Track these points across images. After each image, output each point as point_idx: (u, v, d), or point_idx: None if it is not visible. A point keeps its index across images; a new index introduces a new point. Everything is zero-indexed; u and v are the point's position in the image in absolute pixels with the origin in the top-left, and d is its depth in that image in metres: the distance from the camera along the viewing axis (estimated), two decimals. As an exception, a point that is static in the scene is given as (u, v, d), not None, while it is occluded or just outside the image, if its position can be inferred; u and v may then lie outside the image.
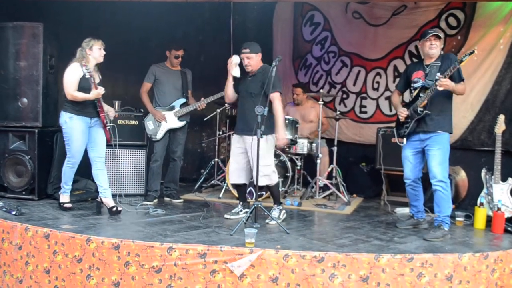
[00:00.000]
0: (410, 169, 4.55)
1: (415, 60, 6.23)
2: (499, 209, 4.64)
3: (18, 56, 5.21)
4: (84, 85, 4.55)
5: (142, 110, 5.83)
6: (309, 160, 6.33)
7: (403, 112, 4.48)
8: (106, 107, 4.92)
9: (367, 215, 5.30)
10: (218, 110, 6.57)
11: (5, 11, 5.64)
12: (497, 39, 5.64)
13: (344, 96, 7.00)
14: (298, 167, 6.20)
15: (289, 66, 7.58)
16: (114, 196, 5.11)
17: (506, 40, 5.59)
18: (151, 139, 5.63)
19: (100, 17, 6.59)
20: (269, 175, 4.65)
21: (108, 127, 4.93)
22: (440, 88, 4.13)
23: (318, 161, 5.95)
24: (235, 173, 4.82)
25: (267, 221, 4.58)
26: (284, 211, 4.87)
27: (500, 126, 4.88)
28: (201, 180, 6.48)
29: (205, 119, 6.77)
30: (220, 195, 5.94)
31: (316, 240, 4.07)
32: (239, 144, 4.75)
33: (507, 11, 5.55)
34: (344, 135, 6.87)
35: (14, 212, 4.48)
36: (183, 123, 5.61)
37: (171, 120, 5.55)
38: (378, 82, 6.69)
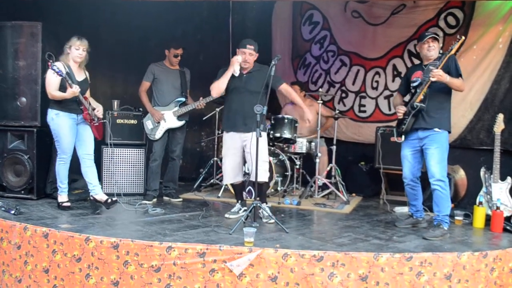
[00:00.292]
0: (408, 168, 4.55)
1: (414, 59, 6.25)
2: (498, 208, 4.65)
3: (16, 56, 5.21)
4: (65, 83, 4.55)
5: (141, 109, 5.83)
6: (308, 159, 6.34)
7: (401, 109, 4.50)
8: (94, 104, 4.93)
9: (366, 214, 5.30)
10: (217, 110, 6.57)
11: (4, 10, 5.63)
12: (496, 38, 5.64)
13: (343, 95, 7.01)
14: (297, 166, 6.21)
15: (288, 65, 7.58)
16: (113, 195, 5.11)
17: (505, 39, 5.59)
18: (150, 139, 5.62)
19: (99, 16, 6.59)
20: (267, 170, 4.71)
21: (96, 124, 4.92)
22: (433, 79, 4.13)
23: (317, 160, 5.95)
24: (232, 173, 4.79)
25: (265, 220, 4.58)
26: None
27: (499, 125, 4.89)
28: (200, 179, 6.48)
29: (204, 118, 6.77)
30: (219, 194, 5.94)
31: (315, 239, 4.07)
32: (234, 142, 4.71)
33: (506, 10, 5.55)
34: (343, 134, 6.87)
35: (13, 212, 4.48)
36: (182, 122, 5.60)
37: (170, 120, 5.55)
38: (377, 81, 6.69)
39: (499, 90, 5.68)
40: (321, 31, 7.24)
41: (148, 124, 5.57)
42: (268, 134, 5.66)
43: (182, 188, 6.31)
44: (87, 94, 4.98)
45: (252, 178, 4.52)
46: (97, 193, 4.88)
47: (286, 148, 6.10)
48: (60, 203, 4.87)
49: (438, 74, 4.12)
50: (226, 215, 4.80)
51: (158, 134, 5.53)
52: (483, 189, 4.90)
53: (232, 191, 5.70)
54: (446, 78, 4.15)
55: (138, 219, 4.66)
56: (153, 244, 3.66)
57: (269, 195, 5.87)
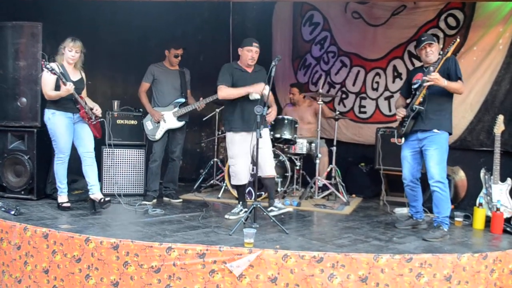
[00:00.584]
0: (408, 169, 4.55)
1: (414, 60, 6.25)
2: (498, 209, 4.65)
3: (17, 56, 5.21)
4: (60, 83, 4.57)
5: (141, 110, 5.83)
6: (308, 160, 6.33)
7: (400, 112, 4.51)
8: (91, 104, 4.94)
9: (366, 215, 5.30)
10: (217, 110, 6.57)
11: (5, 10, 5.63)
12: (496, 39, 5.64)
13: (344, 96, 7.00)
14: (297, 167, 6.20)
15: (289, 66, 7.58)
16: (113, 195, 5.12)
17: (506, 40, 5.59)
18: (150, 139, 5.62)
19: (99, 16, 6.59)
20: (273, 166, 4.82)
21: (94, 122, 4.92)
22: (429, 83, 4.14)
23: (317, 161, 5.95)
24: (243, 174, 4.72)
25: (283, 211, 4.66)
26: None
27: (499, 126, 4.89)
28: (200, 180, 6.48)
29: (204, 119, 6.77)
30: (219, 195, 5.94)
31: (315, 240, 4.07)
32: (246, 142, 4.64)
33: (506, 11, 5.55)
34: (343, 135, 6.87)
35: (13, 212, 4.48)
36: (182, 123, 5.60)
37: (170, 120, 5.54)
38: (377, 82, 6.69)
39: (499, 91, 5.67)
40: (321, 32, 7.24)
41: (148, 124, 5.57)
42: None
43: (182, 188, 6.31)
44: (84, 94, 4.98)
45: (260, 174, 4.67)
46: (94, 192, 4.89)
47: (286, 149, 6.10)
48: (60, 204, 4.87)
49: (434, 78, 4.13)
50: (226, 216, 4.80)
51: (158, 134, 5.53)
52: (483, 190, 4.90)
53: (234, 192, 5.71)
54: (444, 82, 4.16)
55: (138, 219, 4.66)
56: (153, 244, 3.66)
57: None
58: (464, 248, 3.94)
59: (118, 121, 5.79)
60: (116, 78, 7.22)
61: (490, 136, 5.43)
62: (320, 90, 6.03)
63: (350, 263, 3.52)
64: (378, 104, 6.68)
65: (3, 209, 4.58)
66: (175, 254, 3.61)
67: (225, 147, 6.83)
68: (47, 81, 4.60)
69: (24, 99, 5.23)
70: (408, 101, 4.70)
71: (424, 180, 4.55)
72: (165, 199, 5.71)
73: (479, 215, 4.74)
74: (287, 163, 5.90)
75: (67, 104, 4.71)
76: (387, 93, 6.59)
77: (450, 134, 4.41)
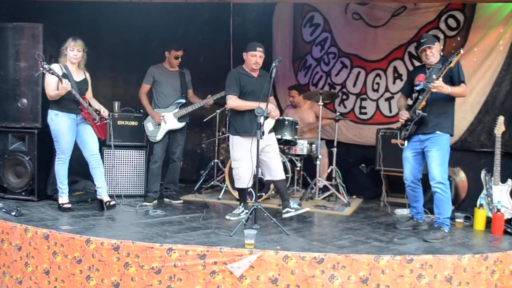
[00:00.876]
0: (409, 170, 4.55)
1: (414, 61, 6.25)
2: (498, 210, 4.65)
3: (18, 57, 5.21)
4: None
5: (142, 111, 5.83)
6: (309, 161, 6.33)
7: (403, 115, 4.52)
8: (97, 106, 4.97)
9: (366, 216, 5.30)
10: (218, 111, 6.56)
11: (5, 11, 5.64)
12: (496, 40, 5.64)
13: (344, 97, 7.00)
14: (298, 168, 6.20)
15: (289, 67, 7.58)
16: (114, 197, 5.11)
17: (506, 41, 5.59)
18: (151, 140, 5.63)
19: (100, 17, 6.60)
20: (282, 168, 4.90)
21: (98, 123, 4.94)
22: (433, 90, 4.15)
23: (318, 162, 5.95)
24: (247, 177, 4.69)
25: (298, 212, 4.72)
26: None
27: (500, 127, 4.89)
28: (201, 181, 6.48)
29: (204, 120, 6.77)
30: (220, 196, 5.94)
31: (315, 241, 4.07)
32: (249, 147, 4.62)
33: (506, 13, 5.55)
34: (343, 136, 6.86)
35: (13, 213, 4.48)
36: (182, 124, 5.60)
37: (171, 122, 5.55)
38: (378, 83, 6.69)
39: (499, 92, 5.67)
40: (322, 33, 7.24)
41: (149, 126, 5.57)
42: None
43: (183, 190, 6.31)
44: (89, 95, 5.00)
45: (268, 178, 4.86)
46: (101, 194, 4.92)
47: (287, 150, 6.10)
48: (61, 205, 4.87)
49: (438, 86, 4.13)
50: (227, 217, 4.80)
51: (159, 136, 5.54)
52: (484, 191, 4.90)
53: (234, 193, 5.71)
54: (447, 90, 4.16)
55: (138, 220, 4.66)
56: (153, 246, 3.66)
57: (270, 197, 5.87)
58: (465, 249, 3.94)
59: (119, 122, 5.79)
60: (117, 79, 7.22)
61: (491, 137, 5.42)
62: (321, 91, 6.04)
63: (351, 264, 3.52)
64: (379, 105, 6.69)
65: (4, 210, 4.59)
66: (175, 255, 3.61)
67: (225, 148, 6.87)
68: (49, 82, 4.62)
69: (24, 100, 5.24)
70: (409, 102, 4.70)
71: (425, 181, 4.56)
72: (166, 200, 5.70)
73: (480, 216, 4.74)
74: (288, 164, 5.90)
75: (70, 105, 4.72)
76: (387, 94, 6.59)
77: (451, 135, 4.42)
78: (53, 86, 4.61)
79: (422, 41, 4.38)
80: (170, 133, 5.62)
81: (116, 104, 5.91)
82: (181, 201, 5.68)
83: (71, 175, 5.01)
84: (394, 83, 6.53)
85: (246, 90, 4.69)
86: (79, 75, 4.84)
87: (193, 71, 5.92)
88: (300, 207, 4.88)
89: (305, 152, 6.04)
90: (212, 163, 6.63)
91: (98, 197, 4.95)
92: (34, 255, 3.95)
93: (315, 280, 3.50)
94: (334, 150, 6.14)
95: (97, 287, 3.73)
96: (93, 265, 3.75)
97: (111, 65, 7.01)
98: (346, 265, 3.51)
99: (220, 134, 6.70)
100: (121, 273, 3.68)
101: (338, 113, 6.36)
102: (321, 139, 6.19)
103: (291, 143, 5.91)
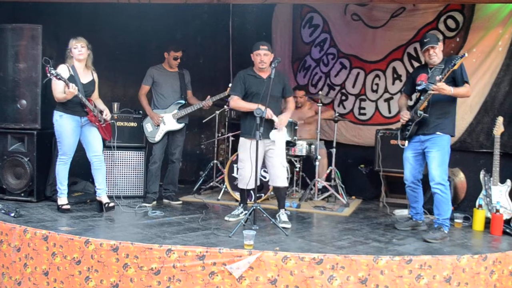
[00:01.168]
0: (410, 171, 4.55)
1: (414, 61, 6.26)
2: (497, 211, 4.65)
3: (17, 58, 5.21)
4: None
5: (141, 112, 5.83)
6: (308, 162, 6.33)
7: (405, 116, 4.51)
8: (102, 107, 4.98)
9: (366, 217, 5.30)
10: (217, 112, 6.57)
11: (5, 13, 5.65)
12: (495, 41, 5.65)
13: (343, 98, 7.01)
14: (297, 169, 6.20)
15: (288, 68, 7.58)
16: (113, 197, 5.12)
17: (505, 42, 5.60)
18: (150, 141, 5.63)
19: (99, 18, 6.59)
20: (287, 177, 4.91)
21: (103, 125, 4.95)
22: (435, 92, 4.15)
23: (317, 163, 5.95)
24: (247, 178, 4.62)
25: (281, 225, 4.45)
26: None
27: (499, 128, 4.89)
28: (200, 182, 6.47)
29: (204, 121, 6.77)
30: (219, 197, 5.94)
31: (314, 242, 4.08)
32: (258, 148, 4.57)
33: (505, 13, 5.56)
34: (343, 137, 6.87)
35: (12, 214, 4.48)
36: (181, 125, 5.60)
37: (170, 122, 5.55)
38: (377, 84, 6.69)
39: (498, 93, 5.68)
40: (321, 34, 7.24)
41: (148, 126, 5.57)
42: None
43: (182, 190, 6.30)
44: (95, 95, 5.00)
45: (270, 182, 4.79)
46: (100, 195, 4.94)
47: (286, 151, 6.08)
48: (60, 206, 4.87)
49: (441, 88, 4.12)
50: (226, 218, 4.80)
51: (158, 136, 5.54)
52: (483, 192, 4.90)
53: (233, 194, 5.72)
54: (450, 91, 4.15)
55: (137, 221, 4.66)
56: (152, 246, 3.66)
57: (269, 198, 5.87)
58: (464, 250, 3.94)
59: (118, 123, 5.78)
60: (116, 80, 7.22)
61: (490, 138, 5.44)
62: (320, 93, 6.04)
63: (350, 264, 3.52)
64: (378, 106, 6.69)
65: (3, 211, 4.58)
66: (174, 256, 3.61)
67: (225, 149, 6.88)
68: (56, 86, 4.62)
69: (24, 101, 5.24)
70: (410, 103, 4.70)
71: (424, 181, 4.56)
72: (165, 201, 5.70)
73: (479, 216, 4.75)
74: (287, 165, 5.90)
75: (75, 107, 4.73)
76: (386, 95, 6.60)
77: (452, 136, 4.42)
78: (60, 89, 4.61)
79: (425, 40, 4.35)
80: (169, 134, 5.62)
81: (115, 105, 5.91)
82: (180, 202, 5.68)
83: (71, 176, 5.00)
84: (393, 83, 6.53)
85: (251, 92, 4.66)
86: (86, 76, 4.85)
87: (192, 72, 5.92)
88: (287, 221, 4.67)
89: (304, 153, 6.04)
90: (211, 164, 6.63)
91: (98, 198, 4.97)
92: (33, 256, 3.95)
93: (314, 281, 3.50)
94: (333, 150, 6.15)
95: (96, 288, 3.74)
96: (92, 266, 3.75)
97: (110, 66, 7.01)
98: (345, 265, 3.51)
99: (220, 135, 6.70)
100: (120, 274, 3.68)
101: (337, 114, 6.36)
102: (320, 139, 6.20)
103: (290, 144, 5.90)
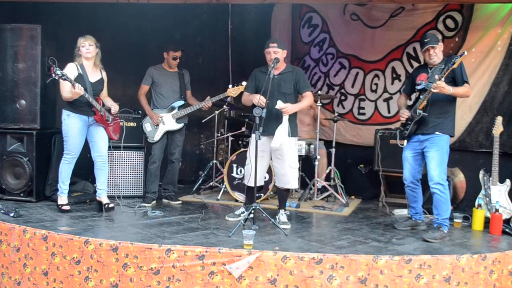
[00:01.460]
0: (409, 170, 4.56)
1: (413, 61, 6.26)
2: (497, 210, 4.65)
3: (16, 58, 5.21)
4: (79, 83, 4.57)
5: (140, 112, 5.83)
6: (307, 161, 6.33)
7: (404, 114, 4.51)
8: (109, 103, 4.99)
9: (365, 216, 5.31)
10: (217, 112, 6.57)
11: (3, 13, 5.64)
12: (495, 41, 5.65)
13: (342, 97, 7.01)
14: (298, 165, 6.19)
15: (288, 68, 7.58)
16: (112, 197, 5.12)
17: (504, 42, 5.60)
18: (149, 141, 5.63)
19: (98, 18, 6.59)
20: (297, 179, 4.81)
21: (111, 124, 4.96)
22: (434, 91, 4.15)
23: (316, 162, 5.95)
24: (258, 176, 4.53)
25: (282, 226, 4.43)
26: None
27: (498, 127, 4.89)
28: (200, 182, 6.47)
29: (203, 121, 6.76)
30: (219, 197, 5.94)
31: (314, 241, 4.08)
32: (263, 145, 4.58)
33: (504, 13, 5.56)
34: (342, 137, 6.87)
35: (12, 214, 4.48)
36: (181, 125, 5.60)
37: (169, 122, 5.55)
38: (376, 84, 6.69)
39: (498, 92, 5.68)
40: (320, 34, 7.25)
41: (147, 126, 5.57)
42: None
43: (181, 190, 6.31)
44: (103, 94, 5.02)
45: (258, 184, 4.63)
46: (101, 195, 4.96)
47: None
48: (60, 205, 4.87)
49: (440, 87, 4.12)
50: (227, 217, 4.80)
51: (157, 136, 5.53)
52: (482, 191, 4.90)
53: (233, 194, 5.72)
54: (449, 90, 4.15)
55: (137, 221, 4.66)
56: (152, 246, 3.66)
57: (268, 198, 5.87)
58: (463, 249, 3.95)
59: (118, 123, 5.79)
60: (116, 80, 7.17)
61: (489, 138, 5.44)
62: (319, 93, 6.04)
63: (349, 264, 3.52)
64: (377, 105, 6.69)
65: (2, 211, 4.58)
66: (174, 256, 3.61)
67: (224, 149, 6.88)
68: (63, 85, 4.63)
69: (23, 101, 5.24)
70: (409, 102, 4.70)
71: (424, 181, 4.56)
72: (164, 201, 5.70)
73: (478, 216, 4.75)
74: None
75: (82, 107, 4.74)
76: (386, 95, 6.60)
77: (452, 136, 4.42)
78: (67, 89, 4.61)
79: (425, 40, 4.35)
80: (169, 134, 5.61)
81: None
82: (180, 202, 5.68)
83: (71, 176, 5.00)
84: (392, 83, 6.53)
85: (261, 89, 4.61)
86: (95, 75, 4.86)
87: (191, 72, 5.92)
88: (286, 221, 4.66)
89: (303, 152, 6.04)
90: (211, 164, 6.63)
91: (98, 198, 4.98)
92: (32, 256, 3.95)
93: (314, 281, 3.50)
94: (333, 150, 6.15)
95: (95, 288, 3.73)
96: (92, 266, 3.75)
97: (109, 66, 6.94)
98: (344, 265, 3.52)
99: (219, 134, 6.70)
100: (119, 274, 3.68)
101: (336, 114, 6.36)
102: (320, 139, 6.20)
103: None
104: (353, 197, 6.35)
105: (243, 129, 6.28)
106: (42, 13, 5.80)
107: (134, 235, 4.07)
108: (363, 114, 6.83)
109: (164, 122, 5.53)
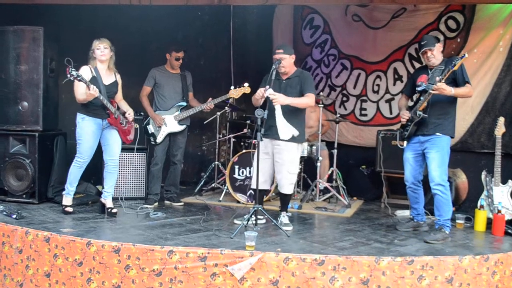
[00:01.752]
0: (410, 172, 4.56)
1: (415, 62, 6.26)
2: (499, 211, 4.64)
3: (18, 60, 5.23)
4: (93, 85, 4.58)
5: (142, 113, 5.83)
6: (309, 163, 6.33)
7: (404, 115, 4.51)
8: (125, 108, 5.00)
9: (367, 217, 5.30)
10: (218, 113, 6.57)
11: (6, 15, 5.65)
12: (496, 41, 5.65)
13: (344, 99, 7.00)
14: (299, 170, 6.19)
15: (289, 69, 7.58)
16: (115, 199, 5.12)
17: (506, 43, 5.60)
18: (151, 143, 5.63)
19: (100, 20, 6.59)
20: (293, 184, 4.74)
21: (125, 127, 4.97)
22: (434, 92, 4.15)
23: (318, 164, 5.95)
24: (261, 178, 4.54)
25: (285, 228, 4.43)
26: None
27: (500, 128, 4.88)
28: (202, 183, 6.47)
29: (205, 122, 6.76)
30: (221, 198, 5.94)
31: (316, 243, 4.08)
32: (266, 147, 4.61)
33: (506, 14, 5.56)
34: (344, 138, 6.87)
35: (14, 216, 4.49)
36: (183, 127, 5.60)
37: (171, 124, 5.55)
38: (378, 85, 6.69)
39: (500, 93, 5.68)
40: (322, 35, 7.24)
41: (149, 128, 5.58)
42: None
43: (184, 192, 6.30)
44: (118, 97, 5.02)
45: (264, 187, 4.70)
46: (106, 198, 4.95)
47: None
48: (64, 206, 4.87)
49: (441, 88, 4.12)
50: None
51: (159, 138, 5.54)
52: (484, 192, 4.90)
53: (235, 195, 5.73)
54: (450, 92, 4.15)
55: (139, 223, 4.66)
56: (154, 248, 3.66)
57: (271, 199, 5.87)
58: (466, 250, 3.94)
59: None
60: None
61: (491, 138, 5.43)
62: (321, 94, 6.04)
63: (352, 265, 3.52)
64: (379, 106, 6.69)
65: (4, 213, 4.59)
66: (176, 258, 3.61)
67: (226, 150, 6.89)
68: (77, 87, 4.63)
69: (25, 103, 5.25)
70: (410, 103, 4.70)
71: (425, 182, 4.56)
72: (167, 202, 5.70)
73: (481, 217, 4.74)
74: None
75: (96, 110, 4.73)
76: (388, 96, 6.59)
77: (452, 137, 4.42)
78: (81, 91, 4.61)
79: (422, 43, 4.38)
80: (171, 136, 5.62)
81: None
82: (182, 203, 5.68)
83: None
84: (394, 84, 6.53)
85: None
86: (109, 78, 4.86)
87: (193, 73, 5.92)
88: (288, 222, 4.64)
89: (305, 154, 6.03)
90: (213, 165, 6.62)
91: (102, 200, 4.96)
92: (35, 257, 3.96)
93: (316, 282, 3.50)
94: (335, 151, 6.15)
95: (98, 290, 3.74)
96: (94, 268, 3.75)
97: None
98: (346, 266, 3.51)
99: (221, 136, 6.70)
100: (121, 275, 3.69)
101: (338, 115, 6.36)
102: (322, 140, 6.20)
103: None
104: (355, 198, 6.34)
105: (245, 130, 6.29)
106: (43, 15, 5.81)
107: (136, 236, 4.08)
108: (365, 115, 6.82)
109: (166, 124, 5.53)
